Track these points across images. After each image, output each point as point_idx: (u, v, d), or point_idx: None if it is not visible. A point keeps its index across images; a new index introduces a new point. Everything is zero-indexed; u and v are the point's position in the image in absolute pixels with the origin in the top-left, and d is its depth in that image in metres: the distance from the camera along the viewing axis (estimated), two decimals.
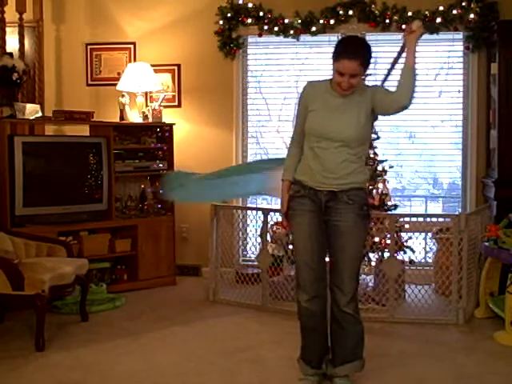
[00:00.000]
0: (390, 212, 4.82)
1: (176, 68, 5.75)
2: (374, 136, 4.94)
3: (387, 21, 5.35)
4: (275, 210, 4.58)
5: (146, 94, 5.64)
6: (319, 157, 3.04)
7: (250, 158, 5.84)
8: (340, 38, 3.94)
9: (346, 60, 2.92)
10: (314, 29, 5.40)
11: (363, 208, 3.09)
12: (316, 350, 3.23)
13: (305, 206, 3.10)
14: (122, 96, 5.39)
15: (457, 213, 4.99)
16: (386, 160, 4.98)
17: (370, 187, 4.80)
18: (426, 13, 5.28)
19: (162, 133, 5.48)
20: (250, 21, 5.53)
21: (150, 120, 5.41)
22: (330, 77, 3.09)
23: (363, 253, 3.30)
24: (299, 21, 5.41)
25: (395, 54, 3.11)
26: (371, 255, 4.73)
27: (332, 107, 3.04)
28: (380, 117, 5.09)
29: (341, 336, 3.16)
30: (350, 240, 3.07)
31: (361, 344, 3.18)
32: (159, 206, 5.46)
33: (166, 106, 5.58)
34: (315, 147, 3.05)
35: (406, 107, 3.02)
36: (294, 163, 3.19)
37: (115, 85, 5.45)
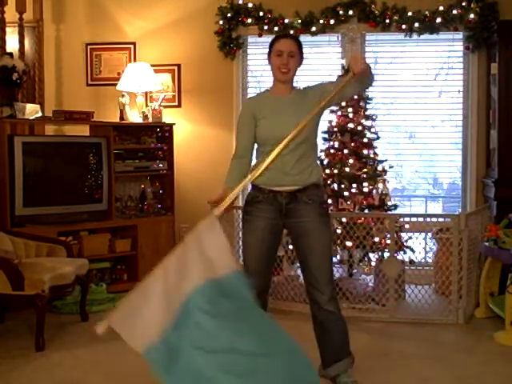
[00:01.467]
0: (390, 212, 4.82)
1: (176, 68, 5.75)
2: (373, 136, 4.95)
3: (387, 21, 5.34)
4: None
5: (146, 94, 5.64)
6: (277, 159, 2.93)
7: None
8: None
9: (283, 38, 3.17)
10: (314, 29, 5.40)
11: (322, 206, 3.15)
12: None
13: (262, 212, 3.11)
14: (122, 96, 5.39)
15: (457, 213, 4.98)
16: (386, 160, 4.98)
17: (370, 187, 4.81)
18: (426, 13, 5.28)
19: (162, 133, 5.48)
20: (250, 21, 5.53)
21: (150, 120, 5.41)
22: (295, 84, 3.22)
23: (332, 249, 3.27)
24: (299, 21, 5.41)
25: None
26: (371, 255, 4.73)
27: (280, 109, 3.10)
28: (380, 117, 5.11)
29: (327, 337, 3.17)
30: (316, 238, 3.09)
31: (346, 340, 3.20)
32: (159, 206, 5.46)
33: (166, 106, 5.58)
34: (265, 151, 3.04)
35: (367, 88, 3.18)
36: (236, 174, 3.16)
37: (115, 85, 5.45)
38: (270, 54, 3.18)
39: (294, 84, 3.22)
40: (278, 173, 3.05)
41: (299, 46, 3.16)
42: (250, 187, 3.24)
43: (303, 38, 5.48)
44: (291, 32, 5.41)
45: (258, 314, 2.46)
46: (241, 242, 3.39)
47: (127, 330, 2.37)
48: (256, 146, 3.21)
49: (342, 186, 4.78)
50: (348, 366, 3.20)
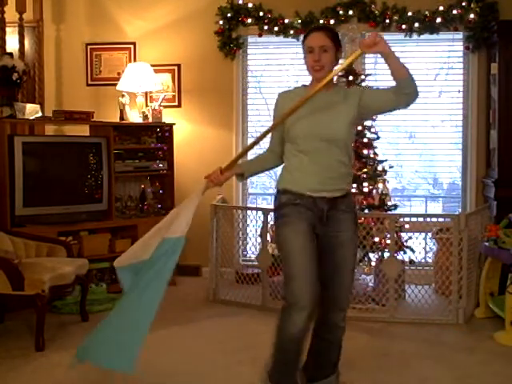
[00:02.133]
0: (390, 212, 4.82)
1: (176, 68, 5.75)
2: (373, 136, 4.96)
3: (387, 21, 5.35)
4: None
5: (146, 94, 5.64)
6: (309, 159, 2.79)
7: (250, 158, 5.82)
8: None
9: (314, 33, 2.84)
10: None
11: (357, 215, 2.95)
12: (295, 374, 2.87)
13: (302, 215, 2.79)
14: (122, 96, 5.39)
15: (457, 213, 4.99)
16: (386, 160, 4.98)
17: (370, 187, 4.81)
18: (426, 13, 5.29)
19: (162, 133, 5.48)
20: (250, 21, 5.54)
21: (150, 120, 5.41)
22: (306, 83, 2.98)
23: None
24: (299, 21, 5.41)
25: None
26: (371, 255, 4.73)
27: (313, 107, 2.79)
28: (380, 117, 5.09)
29: (328, 351, 2.98)
30: (351, 251, 2.89)
31: (340, 354, 3.01)
32: (159, 206, 5.46)
33: (166, 106, 5.58)
34: (302, 151, 2.81)
35: (411, 104, 2.89)
36: (255, 161, 3.08)
37: (115, 85, 5.45)
38: (303, 49, 2.86)
39: (334, 81, 2.95)
40: (314, 178, 2.79)
41: (333, 37, 2.82)
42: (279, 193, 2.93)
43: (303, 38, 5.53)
44: (291, 32, 5.43)
45: (155, 285, 2.87)
46: (279, 252, 2.98)
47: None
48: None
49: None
50: (335, 381, 3.04)
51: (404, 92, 2.84)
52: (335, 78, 2.95)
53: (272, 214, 3.10)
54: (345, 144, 2.83)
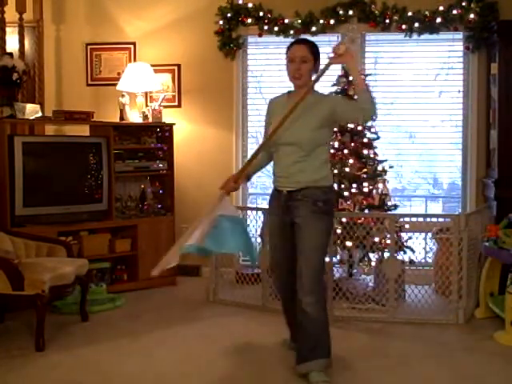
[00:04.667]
0: (390, 212, 4.82)
1: (176, 68, 5.75)
2: (373, 136, 4.95)
3: (387, 21, 5.34)
4: None
5: (146, 94, 5.64)
6: (276, 161, 3.37)
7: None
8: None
9: (295, 45, 3.29)
10: (314, 29, 5.40)
11: (316, 204, 3.23)
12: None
13: (273, 209, 3.44)
14: (122, 96, 5.39)
15: (457, 213, 4.99)
16: (386, 160, 4.98)
17: (370, 187, 4.81)
18: (426, 13, 5.29)
19: (162, 133, 5.48)
20: (250, 21, 5.54)
21: (150, 120, 5.41)
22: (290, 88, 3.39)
23: (325, 247, 3.31)
24: (299, 21, 5.41)
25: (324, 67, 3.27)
26: (371, 255, 4.73)
27: (286, 114, 3.23)
28: (380, 117, 5.13)
29: (301, 335, 3.26)
30: (307, 232, 3.21)
31: (322, 343, 3.24)
32: (159, 206, 5.46)
33: (165, 106, 5.58)
34: (274, 152, 3.35)
35: (368, 121, 3.34)
36: (255, 162, 3.46)
37: (115, 85, 5.45)
38: (287, 58, 3.30)
39: (315, 89, 3.33)
40: (277, 177, 3.38)
41: (312, 50, 3.25)
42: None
43: None
44: (291, 32, 5.43)
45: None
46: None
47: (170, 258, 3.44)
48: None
49: (342, 185, 4.79)
50: (319, 367, 3.21)
51: (361, 106, 3.13)
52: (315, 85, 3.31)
53: None
54: (312, 145, 3.23)
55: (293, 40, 3.42)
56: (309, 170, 3.25)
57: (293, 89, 3.37)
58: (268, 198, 3.55)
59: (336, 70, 5.17)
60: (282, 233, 3.37)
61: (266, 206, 3.62)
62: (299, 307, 3.21)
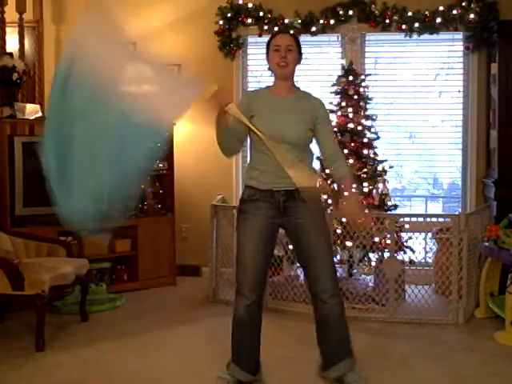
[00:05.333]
0: (389, 212, 4.82)
1: (176, 68, 5.74)
2: (373, 136, 4.95)
3: (387, 21, 5.34)
4: None
5: None
6: (270, 158, 3.03)
7: (249, 158, 5.82)
8: None
9: (280, 34, 3.16)
10: (313, 29, 5.40)
11: (318, 204, 3.22)
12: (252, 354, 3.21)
13: (260, 210, 3.08)
14: None
15: (457, 213, 4.98)
16: (386, 160, 4.98)
17: (370, 187, 4.81)
18: (426, 13, 5.29)
19: None
20: (250, 21, 5.54)
21: None
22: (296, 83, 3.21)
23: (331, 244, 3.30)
24: (299, 21, 5.41)
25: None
26: (371, 255, 4.73)
27: (277, 109, 3.08)
28: (380, 117, 5.12)
29: (329, 335, 3.15)
30: (317, 233, 3.09)
31: (348, 340, 3.20)
32: (159, 206, 5.46)
33: None
34: (264, 149, 3.04)
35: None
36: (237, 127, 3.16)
37: None
38: (267, 52, 3.13)
39: (296, 85, 3.20)
40: (272, 175, 3.06)
41: (297, 41, 3.12)
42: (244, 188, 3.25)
43: (303, 38, 5.48)
44: (291, 32, 5.42)
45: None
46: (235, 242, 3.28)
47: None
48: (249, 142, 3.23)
49: (342, 186, 4.77)
50: (351, 367, 3.18)
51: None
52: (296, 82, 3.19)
53: None
54: (303, 144, 3.10)
55: (275, 32, 3.26)
56: (307, 169, 3.13)
57: (271, 84, 3.20)
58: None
59: (336, 70, 5.19)
60: (267, 234, 3.09)
61: None
62: (323, 310, 3.10)
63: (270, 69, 3.17)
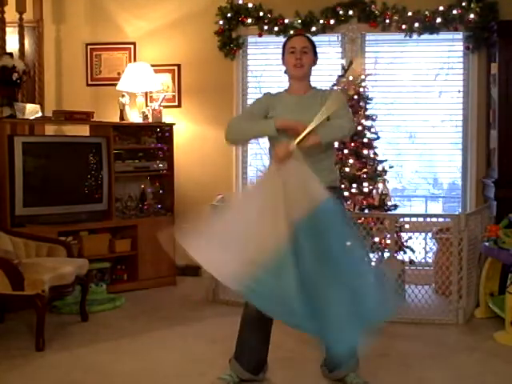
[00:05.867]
0: (390, 212, 4.82)
1: (176, 68, 5.75)
2: (373, 136, 4.95)
3: (387, 21, 5.35)
4: None
5: (146, 94, 5.64)
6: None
7: (249, 158, 5.84)
8: None
9: (296, 37, 3.29)
10: (314, 29, 5.40)
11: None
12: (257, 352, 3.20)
13: None
14: (122, 96, 5.39)
15: (457, 213, 4.99)
16: (386, 160, 4.98)
17: (370, 187, 4.81)
18: (426, 13, 5.29)
19: (162, 133, 5.48)
20: (250, 21, 5.54)
21: (150, 120, 5.41)
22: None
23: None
24: (299, 21, 5.41)
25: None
26: (371, 255, 4.72)
27: (293, 108, 3.12)
28: (380, 117, 5.12)
29: None
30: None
31: None
32: (159, 206, 5.46)
33: (165, 106, 5.58)
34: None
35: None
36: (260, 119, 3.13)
37: (115, 85, 5.45)
38: (283, 54, 3.20)
39: (312, 84, 3.24)
40: None
41: (312, 43, 3.20)
42: None
43: None
44: (291, 32, 5.42)
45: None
46: None
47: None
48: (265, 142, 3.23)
49: (342, 185, 4.78)
50: (355, 367, 3.18)
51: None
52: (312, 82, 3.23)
53: None
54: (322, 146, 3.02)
55: (291, 34, 3.35)
56: (327, 170, 3.12)
57: (287, 87, 3.23)
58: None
59: (336, 71, 5.19)
60: None
61: None
62: None
63: (286, 71, 3.21)
